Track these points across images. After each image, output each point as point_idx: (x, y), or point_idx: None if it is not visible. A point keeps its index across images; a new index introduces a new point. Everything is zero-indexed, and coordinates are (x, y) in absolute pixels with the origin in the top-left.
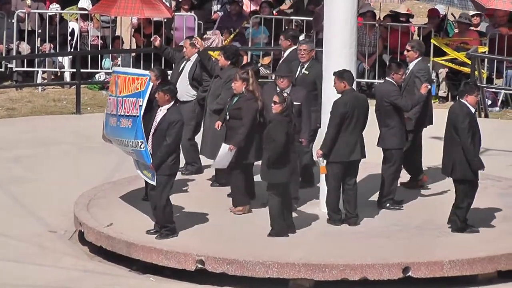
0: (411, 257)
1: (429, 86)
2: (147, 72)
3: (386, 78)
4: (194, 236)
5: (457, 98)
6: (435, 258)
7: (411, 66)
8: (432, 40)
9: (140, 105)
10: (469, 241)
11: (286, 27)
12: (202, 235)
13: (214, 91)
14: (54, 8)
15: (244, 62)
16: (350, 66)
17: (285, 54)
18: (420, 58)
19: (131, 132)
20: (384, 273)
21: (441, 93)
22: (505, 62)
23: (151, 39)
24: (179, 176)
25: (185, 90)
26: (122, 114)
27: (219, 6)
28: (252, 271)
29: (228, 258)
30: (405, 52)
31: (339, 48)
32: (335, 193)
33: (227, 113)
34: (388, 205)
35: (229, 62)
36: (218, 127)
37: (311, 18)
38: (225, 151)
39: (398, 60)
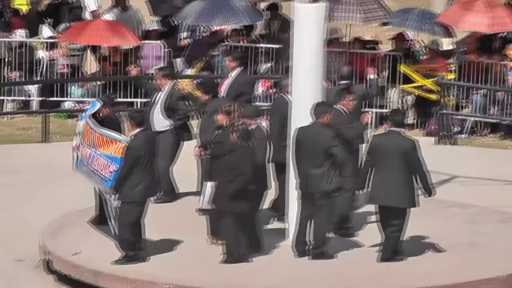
0: (377, 285)
1: (369, 115)
2: (123, 136)
3: (335, 106)
4: (163, 264)
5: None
6: (403, 286)
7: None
8: (400, 67)
9: (114, 171)
10: (436, 268)
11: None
12: (171, 262)
13: (205, 127)
14: (19, 35)
15: None
16: (317, 93)
17: (232, 75)
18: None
19: (103, 182)
20: None
21: (409, 120)
22: (472, 89)
23: (128, 69)
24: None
25: (159, 121)
26: (94, 169)
27: (188, 33)
28: None
29: (193, 286)
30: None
31: (307, 75)
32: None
33: (210, 146)
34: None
35: (209, 95)
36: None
37: (280, 46)
38: (210, 189)
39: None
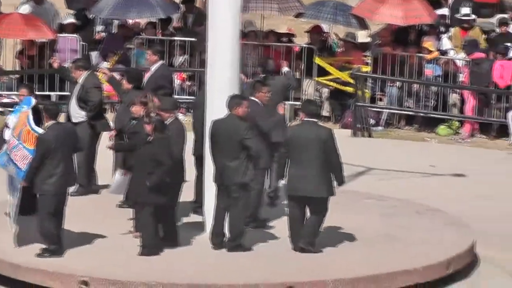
0: (294, 276)
1: (284, 106)
2: (40, 130)
3: (250, 98)
4: (81, 257)
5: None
6: (319, 277)
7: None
8: (315, 60)
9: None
10: (352, 261)
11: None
12: (89, 255)
13: (120, 117)
14: None
15: None
16: (234, 86)
17: (152, 69)
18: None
19: (17, 173)
20: None
21: (324, 112)
22: (388, 81)
23: (50, 61)
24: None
25: (75, 112)
26: (13, 159)
27: (103, 26)
28: None
29: (111, 279)
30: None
31: (222, 69)
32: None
33: (126, 136)
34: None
35: (132, 85)
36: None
37: (195, 39)
38: (121, 177)
39: None
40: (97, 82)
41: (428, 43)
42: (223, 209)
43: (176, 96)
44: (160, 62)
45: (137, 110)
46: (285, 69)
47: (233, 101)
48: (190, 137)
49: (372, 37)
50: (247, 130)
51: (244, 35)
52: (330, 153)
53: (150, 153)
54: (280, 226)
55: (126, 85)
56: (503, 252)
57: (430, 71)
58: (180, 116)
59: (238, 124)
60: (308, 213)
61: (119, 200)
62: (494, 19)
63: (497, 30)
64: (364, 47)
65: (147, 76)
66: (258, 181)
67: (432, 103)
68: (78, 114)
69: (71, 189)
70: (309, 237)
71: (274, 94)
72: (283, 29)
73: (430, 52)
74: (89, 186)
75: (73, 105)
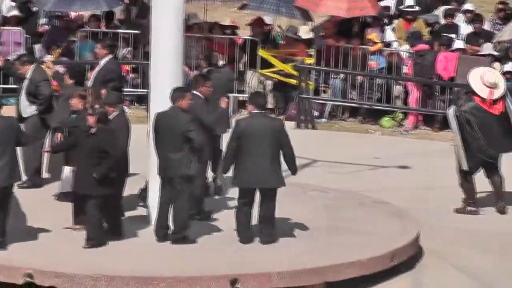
0: (239, 269)
1: (226, 100)
2: None
3: (193, 91)
4: (26, 250)
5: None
6: (263, 270)
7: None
8: (259, 52)
9: None
10: (297, 253)
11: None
12: (34, 248)
13: (58, 112)
14: None
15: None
16: (177, 78)
17: (102, 63)
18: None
19: None
20: (212, 285)
21: (268, 105)
22: (332, 73)
23: None
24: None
25: (25, 107)
26: None
27: (46, 19)
28: (81, 284)
29: (56, 271)
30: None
31: (166, 61)
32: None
33: (66, 130)
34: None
35: (73, 81)
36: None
37: (139, 31)
38: (70, 173)
39: None
40: (44, 75)
41: (373, 34)
42: (167, 201)
43: None
44: (109, 56)
45: (76, 103)
46: (220, 62)
47: (176, 94)
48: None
49: (316, 29)
50: (190, 122)
51: (188, 27)
52: (283, 144)
53: (95, 144)
54: (224, 218)
55: (68, 80)
56: (447, 244)
57: (374, 63)
58: (126, 109)
59: (181, 116)
60: (259, 207)
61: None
62: (438, 11)
63: (442, 21)
64: (307, 42)
65: (96, 70)
66: (201, 173)
67: (376, 95)
68: (28, 110)
69: (20, 181)
70: (271, 229)
71: (219, 86)
72: (226, 22)
73: (374, 43)
74: (38, 179)
75: (23, 100)
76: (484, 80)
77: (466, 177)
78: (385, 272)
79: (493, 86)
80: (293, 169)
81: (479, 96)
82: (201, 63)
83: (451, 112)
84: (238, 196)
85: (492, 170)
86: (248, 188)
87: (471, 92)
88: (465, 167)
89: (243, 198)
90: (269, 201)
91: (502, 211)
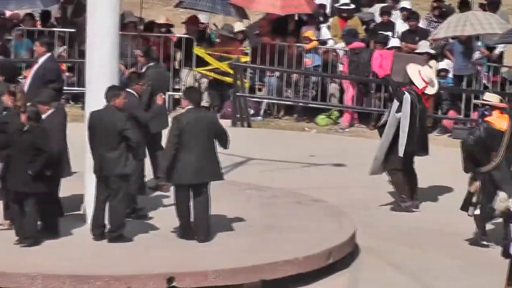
0: (175, 267)
1: (163, 96)
2: None
3: (127, 89)
4: None
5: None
6: (200, 268)
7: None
8: (194, 50)
9: None
10: (233, 251)
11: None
12: None
13: None
14: None
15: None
16: (113, 77)
17: (40, 61)
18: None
19: None
20: (149, 283)
21: (204, 103)
22: (267, 71)
23: None
24: None
25: None
26: None
27: None
28: (17, 283)
29: None
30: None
31: (102, 59)
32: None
33: None
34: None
35: (3, 77)
36: None
37: (74, 30)
38: None
39: None
40: None
41: (309, 32)
42: (103, 200)
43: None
44: (48, 54)
45: (6, 100)
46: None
47: (111, 92)
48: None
49: (251, 27)
50: (126, 121)
51: (124, 26)
52: (221, 133)
53: (29, 141)
54: (160, 216)
55: None
56: (383, 242)
57: (309, 60)
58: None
59: (116, 115)
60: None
61: None
62: (374, 9)
63: (378, 19)
64: (242, 37)
65: (34, 68)
66: (138, 171)
67: (312, 93)
68: None
69: None
70: (206, 228)
71: (157, 82)
72: (162, 20)
73: (310, 41)
74: None
75: None
76: (422, 74)
77: (396, 174)
78: (321, 270)
79: (429, 82)
80: (225, 146)
81: (416, 86)
82: (140, 60)
83: (407, 96)
84: (176, 192)
85: (409, 167)
86: (187, 184)
87: (408, 83)
88: (401, 153)
89: (181, 194)
90: (203, 198)
91: (416, 207)
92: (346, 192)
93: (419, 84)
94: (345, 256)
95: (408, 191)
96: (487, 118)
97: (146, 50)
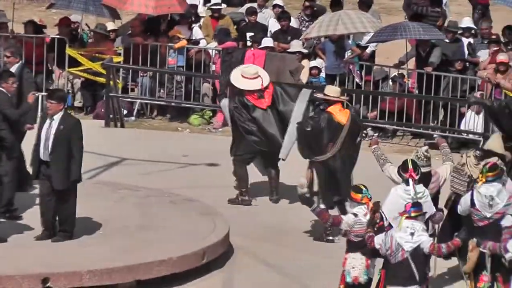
0: (50, 267)
1: (37, 94)
2: None
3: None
4: None
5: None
6: (74, 268)
7: (13, 70)
8: (67, 50)
9: None
10: (108, 251)
11: None
12: None
13: None
14: None
15: None
16: None
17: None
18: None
19: None
20: (24, 284)
21: (77, 103)
22: (140, 71)
23: None
24: None
25: None
26: None
27: None
28: None
29: None
30: (5, 59)
31: None
32: None
33: None
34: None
35: None
36: None
37: None
38: None
39: None
40: None
41: (176, 30)
42: None
43: None
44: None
45: None
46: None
47: None
48: None
49: (123, 27)
50: (0, 121)
51: None
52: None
53: None
54: (35, 216)
55: None
56: (256, 241)
57: (173, 60)
58: None
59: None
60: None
61: None
62: (243, 9)
63: (246, 19)
64: (115, 37)
65: None
66: (11, 171)
67: (182, 92)
68: None
69: None
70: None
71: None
72: (36, 20)
73: (180, 39)
74: None
75: None
76: (245, 74)
77: (240, 165)
78: (196, 269)
79: (255, 76)
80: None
81: (246, 91)
82: (10, 60)
83: (224, 102)
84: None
85: (270, 162)
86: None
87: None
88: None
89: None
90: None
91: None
92: (218, 191)
93: (248, 86)
94: (219, 256)
95: (247, 184)
96: (328, 109)
97: (15, 50)
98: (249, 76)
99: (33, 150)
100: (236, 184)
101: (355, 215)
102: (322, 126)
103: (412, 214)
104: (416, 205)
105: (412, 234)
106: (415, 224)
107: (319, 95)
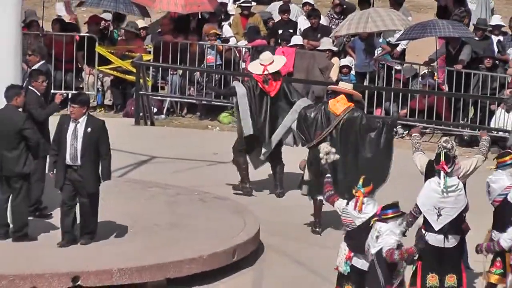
0: (80, 266)
1: (65, 95)
2: None
3: (29, 87)
4: None
5: None
6: (104, 266)
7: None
8: (96, 49)
9: None
10: (138, 249)
11: None
12: None
13: None
14: None
15: None
16: (16, 75)
17: None
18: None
19: None
20: (54, 282)
21: (107, 101)
22: (170, 69)
23: None
24: None
25: None
26: None
27: None
28: None
29: None
30: (27, 57)
31: (4, 58)
32: None
33: None
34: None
35: None
36: None
37: None
38: None
39: None
40: None
41: (211, 26)
42: (4, 200)
43: None
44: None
45: None
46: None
47: (11, 92)
48: None
49: (153, 26)
50: (25, 121)
51: (26, 25)
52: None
53: None
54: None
55: None
56: (285, 239)
57: (212, 58)
58: None
59: (16, 114)
60: None
61: None
62: (270, 8)
63: (276, 17)
64: (145, 35)
65: None
66: (38, 170)
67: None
68: None
69: None
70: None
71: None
72: (66, 19)
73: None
74: None
75: None
76: (261, 60)
77: (238, 154)
78: (226, 268)
79: (269, 62)
80: None
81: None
82: (31, 58)
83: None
84: None
85: (275, 156)
86: None
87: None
88: (247, 132)
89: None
90: None
91: (280, 197)
92: None
93: (258, 70)
94: (249, 254)
95: (247, 173)
96: (329, 100)
97: (37, 49)
98: (263, 62)
99: (53, 156)
100: (238, 171)
101: (347, 204)
102: (314, 114)
103: (383, 217)
104: (388, 207)
105: (377, 237)
106: (383, 226)
107: (332, 87)
